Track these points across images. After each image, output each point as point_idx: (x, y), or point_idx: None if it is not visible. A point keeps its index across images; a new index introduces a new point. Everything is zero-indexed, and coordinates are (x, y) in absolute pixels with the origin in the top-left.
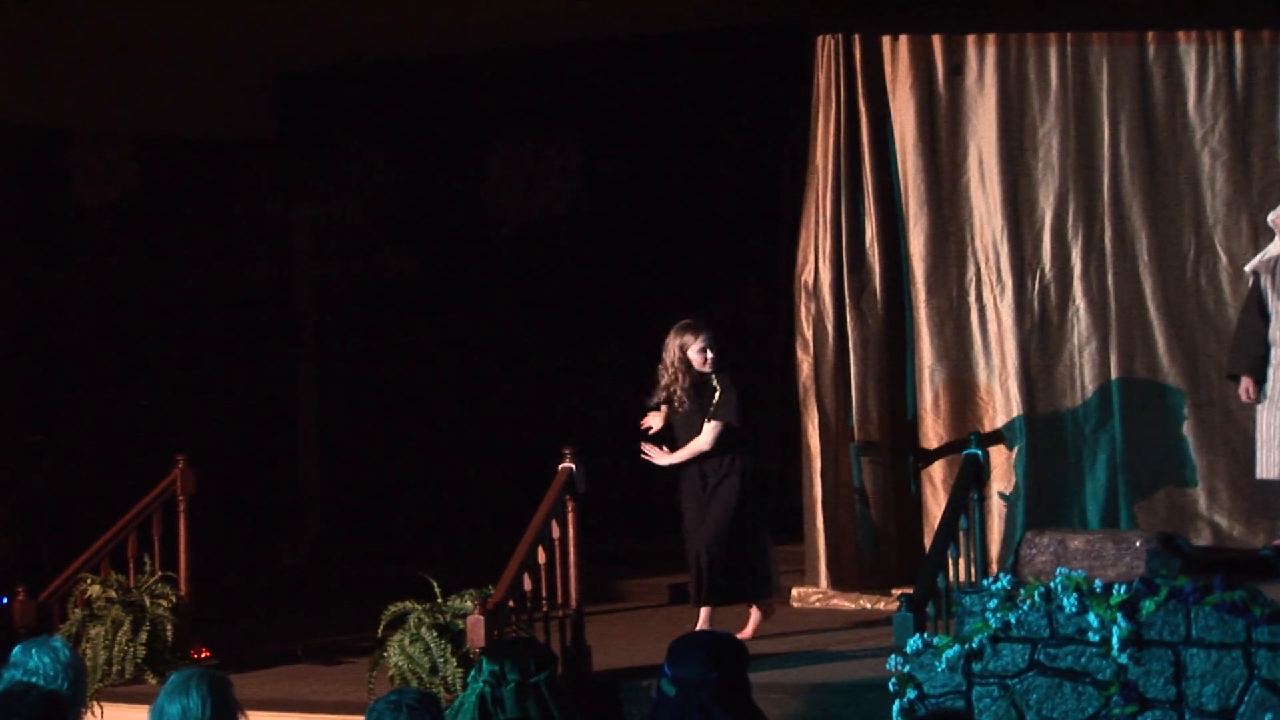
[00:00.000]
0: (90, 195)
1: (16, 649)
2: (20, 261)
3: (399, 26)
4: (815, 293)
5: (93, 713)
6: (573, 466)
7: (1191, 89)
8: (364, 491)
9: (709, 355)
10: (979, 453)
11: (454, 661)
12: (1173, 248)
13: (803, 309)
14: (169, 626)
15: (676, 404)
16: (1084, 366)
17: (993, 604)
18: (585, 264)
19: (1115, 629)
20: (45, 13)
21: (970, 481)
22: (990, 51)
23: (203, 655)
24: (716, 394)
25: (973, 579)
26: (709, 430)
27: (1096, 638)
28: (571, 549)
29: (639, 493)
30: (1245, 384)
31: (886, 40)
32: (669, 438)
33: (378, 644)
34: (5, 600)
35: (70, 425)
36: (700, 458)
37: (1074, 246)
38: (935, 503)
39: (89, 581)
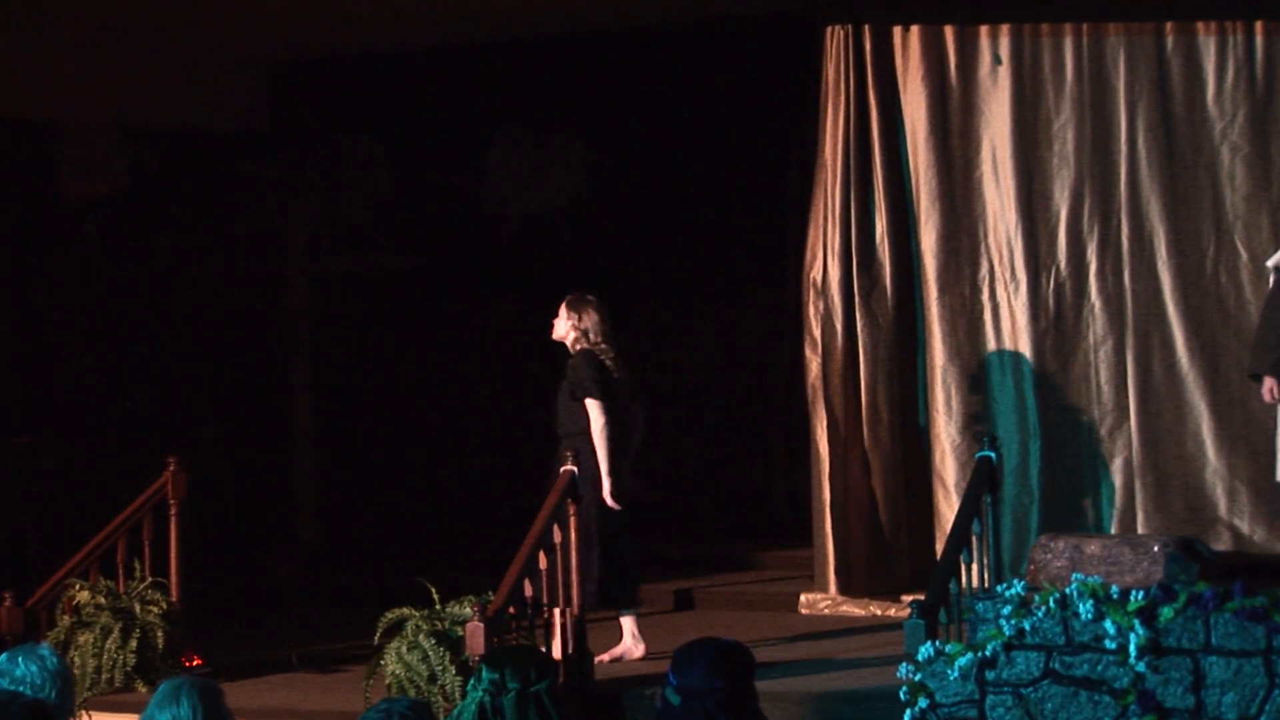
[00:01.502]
0: (78, 189)
1: (3, 657)
2: (6, 258)
3: (396, 17)
4: (824, 291)
5: None
6: (575, 469)
7: (1211, 81)
8: (360, 494)
9: (554, 324)
10: (992, 455)
11: (453, 669)
12: (1191, 244)
13: (811, 307)
14: (159, 633)
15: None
16: (1100, 366)
17: (1006, 610)
18: (587, 260)
19: (1132, 636)
20: (31, 1)
21: (983, 484)
22: (1004, 42)
23: (194, 663)
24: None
25: (986, 585)
26: (592, 408)
27: (1113, 645)
28: (573, 554)
29: (642, 496)
30: (1269, 384)
31: (897, 31)
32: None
33: (374, 651)
34: None
35: (58, 426)
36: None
37: (1090, 243)
38: (947, 506)
39: (77, 587)
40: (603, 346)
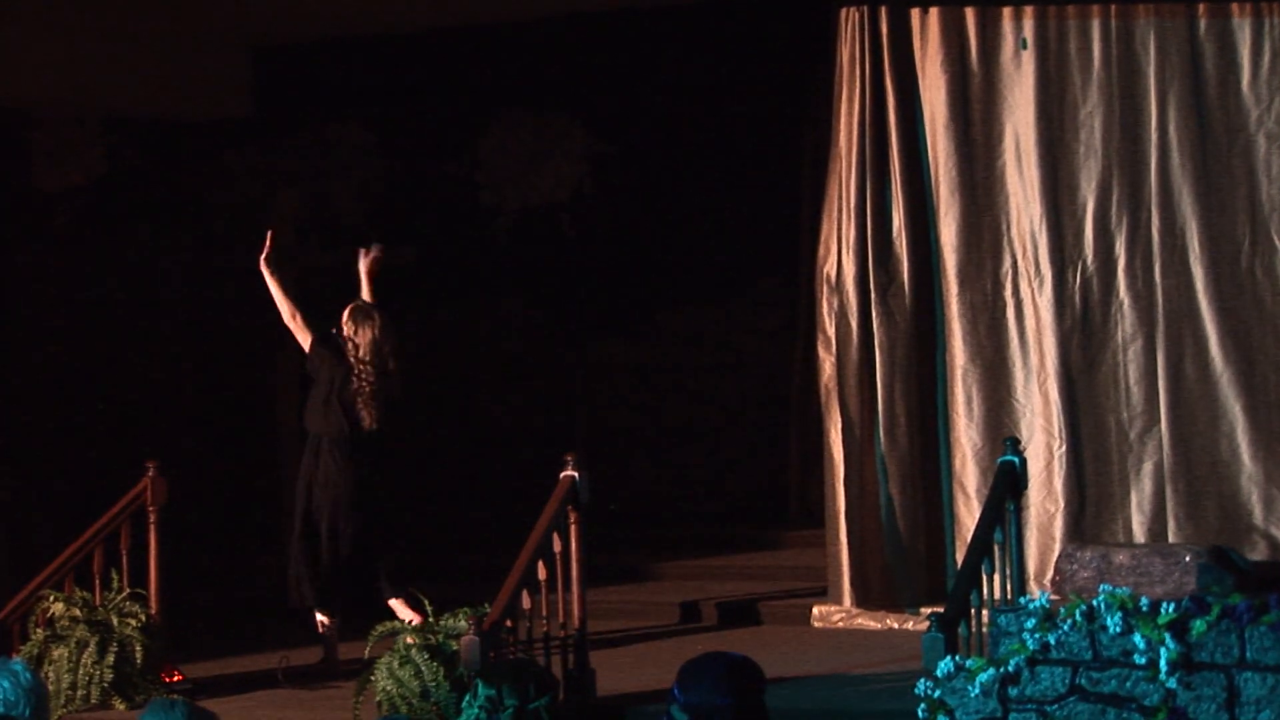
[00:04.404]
0: (52, 179)
1: None
2: None
3: None
4: (838, 286)
5: None
6: (575, 475)
7: (1246, 66)
8: None
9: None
10: (1015, 459)
11: (447, 685)
12: (1225, 237)
13: (825, 304)
14: (138, 647)
15: None
16: (1129, 366)
17: (1030, 624)
18: (589, 255)
19: (1163, 651)
20: None
21: (1006, 491)
22: (1028, 25)
23: (174, 678)
24: None
25: (1009, 596)
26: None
27: (1143, 660)
28: (574, 564)
29: (646, 503)
30: None
31: (915, 13)
32: None
33: (364, 666)
34: None
35: (30, 430)
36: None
37: (1118, 236)
38: (968, 514)
39: (52, 599)
40: (364, 364)
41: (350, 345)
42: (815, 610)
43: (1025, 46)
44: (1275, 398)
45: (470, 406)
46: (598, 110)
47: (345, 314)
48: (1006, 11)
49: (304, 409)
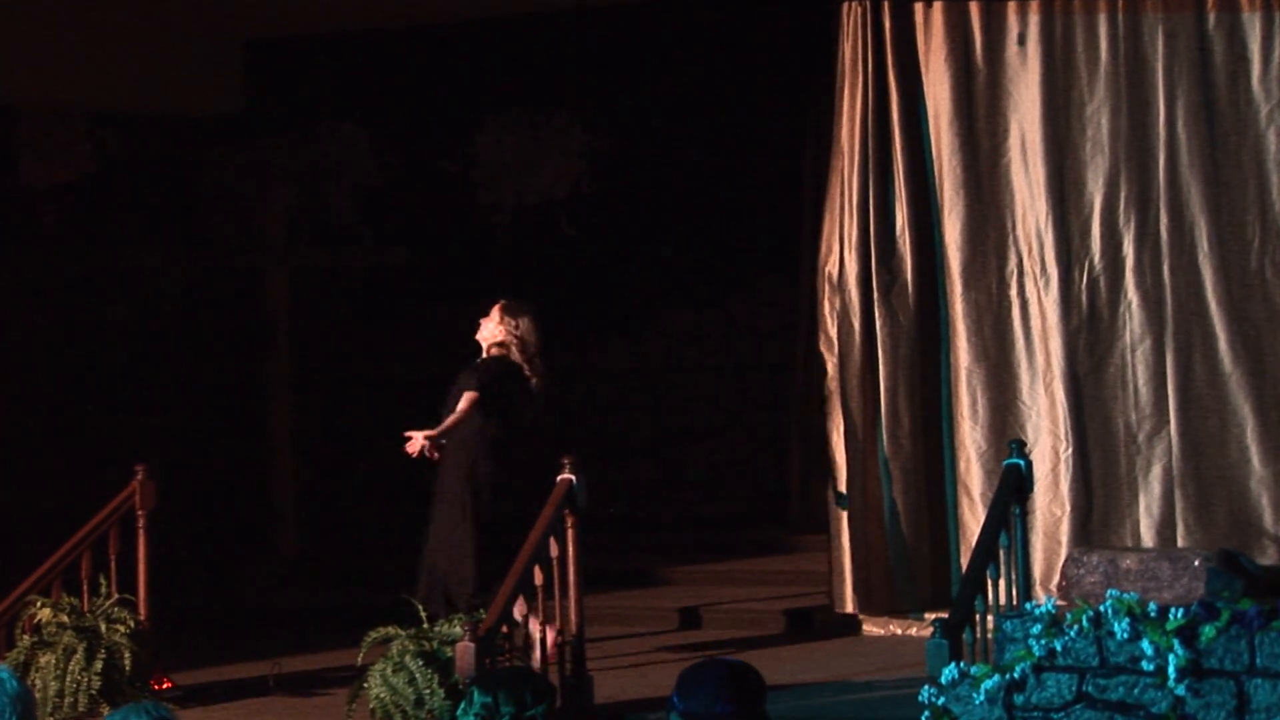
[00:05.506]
0: (40, 177)
1: None
2: None
3: None
4: (841, 286)
5: None
6: (573, 478)
7: (1256, 61)
8: (342, 505)
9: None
10: (1021, 462)
11: (441, 693)
12: (1235, 236)
13: (827, 304)
14: (126, 654)
15: None
16: (1137, 367)
17: (1036, 629)
18: (587, 253)
19: (1172, 657)
20: None
21: (1011, 494)
22: (1034, 19)
23: (164, 685)
24: None
25: (1014, 602)
26: (465, 399)
27: (1151, 667)
28: (571, 569)
29: (645, 506)
30: None
31: (919, 8)
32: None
33: (357, 673)
34: None
35: (16, 431)
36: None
37: (1126, 235)
38: (973, 517)
39: (39, 604)
40: (530, 357)
41: (514, 339)
42: (818, 616)
43: (1022, 43)
44: None
45: None
46: (596, 107)
47: (496, 312)
48: (1011, 6)
49: (455, 413)
